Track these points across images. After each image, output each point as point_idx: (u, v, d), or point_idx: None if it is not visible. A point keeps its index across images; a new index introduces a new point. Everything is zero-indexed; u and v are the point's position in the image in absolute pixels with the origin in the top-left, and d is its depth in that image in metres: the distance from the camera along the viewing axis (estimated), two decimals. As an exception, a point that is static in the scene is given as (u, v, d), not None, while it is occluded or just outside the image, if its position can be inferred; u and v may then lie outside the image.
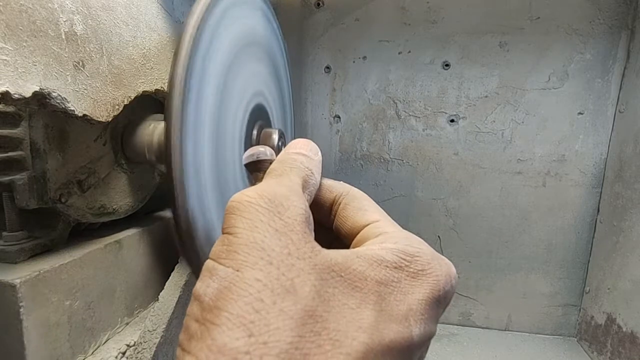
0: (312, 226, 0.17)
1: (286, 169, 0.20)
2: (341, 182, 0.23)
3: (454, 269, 0.18)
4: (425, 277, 0.17)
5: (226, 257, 0.15)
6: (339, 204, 0.22)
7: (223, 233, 0.16)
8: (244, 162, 0.26)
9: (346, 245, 0.21)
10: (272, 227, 0.16)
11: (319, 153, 0.22)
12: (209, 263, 0.16)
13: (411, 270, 0.17)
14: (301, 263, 0.15)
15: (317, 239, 0.17)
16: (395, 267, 0.16)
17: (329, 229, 0.22)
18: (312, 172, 0.20)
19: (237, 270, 0.15)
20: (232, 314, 0.13)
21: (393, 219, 0.21)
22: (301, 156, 0.21)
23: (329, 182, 0.23)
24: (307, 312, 0.14)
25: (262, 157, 0.24)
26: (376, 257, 0.17)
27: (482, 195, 0.97)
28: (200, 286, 0.15)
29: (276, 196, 0.17)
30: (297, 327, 0.13)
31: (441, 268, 0.17)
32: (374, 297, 0.15)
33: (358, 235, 0.20)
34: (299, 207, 0.17)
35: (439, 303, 0.17)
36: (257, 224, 0.16)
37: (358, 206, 0.21)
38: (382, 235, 0.19)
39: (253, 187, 0.18)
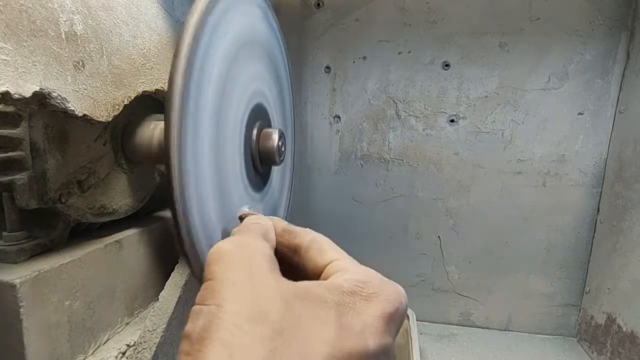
0: (276, 263, 0.22)
1: (250, 227, 0.27)
2: (307, 228, 0.28)
3: (403, 290, 0.22)
4: (377, 299, 0.20)
5: (209, 298, 0.19)
6: (302, 248, 0.26)
7: (204, 282, 0.20)
8: (239, 215, 0.36)
9: None
10: (242, 267, 0.20)
11: (269, 222, 0.29)
12: (195, 308, 0.19)
13: (364, 294, 0.20)
14: (268, 292, 0.19)
15: (290, 279, 0.21)
16: (351, 292, 0.20)
17: (300, 270, 0.26)
18: (267, 231, 0.27)
19: (219, 305, 0.18)
20: (215, 339, 0.17)
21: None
22: (257, 224, 0.28)
23: (293, 228, 0.28)
24: (276, 331, 0.17)
25: (250, 213, 0.34)
26: (334, 285, 0.20)
27: (482, 195, 0.97)
28: (189, 327, 0.18)
29: (245, 244, 0.23)
30: (269, 344, 0.17)
31: (390, 290, 0.21)
32: (335, 315, 0.19)
33: (322, 274, 0.23)
34: (263, 249, 0.23)
35: (392, 318, 0.20)
36: (230, 266, 0.20)
37: (318, 248, 0.25)
38: (340, 271, 0.22)
39: (227, 239, 0.23)
